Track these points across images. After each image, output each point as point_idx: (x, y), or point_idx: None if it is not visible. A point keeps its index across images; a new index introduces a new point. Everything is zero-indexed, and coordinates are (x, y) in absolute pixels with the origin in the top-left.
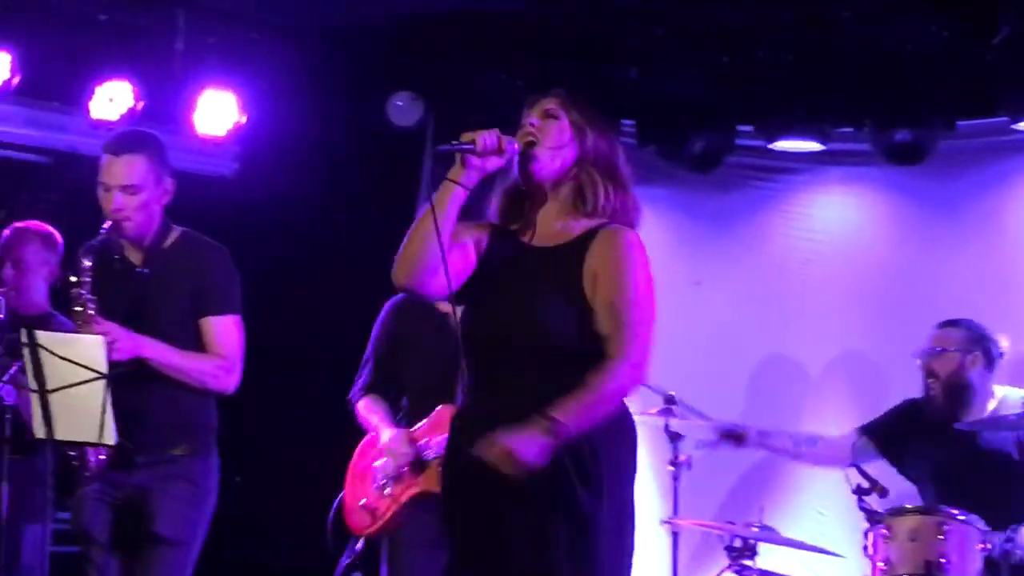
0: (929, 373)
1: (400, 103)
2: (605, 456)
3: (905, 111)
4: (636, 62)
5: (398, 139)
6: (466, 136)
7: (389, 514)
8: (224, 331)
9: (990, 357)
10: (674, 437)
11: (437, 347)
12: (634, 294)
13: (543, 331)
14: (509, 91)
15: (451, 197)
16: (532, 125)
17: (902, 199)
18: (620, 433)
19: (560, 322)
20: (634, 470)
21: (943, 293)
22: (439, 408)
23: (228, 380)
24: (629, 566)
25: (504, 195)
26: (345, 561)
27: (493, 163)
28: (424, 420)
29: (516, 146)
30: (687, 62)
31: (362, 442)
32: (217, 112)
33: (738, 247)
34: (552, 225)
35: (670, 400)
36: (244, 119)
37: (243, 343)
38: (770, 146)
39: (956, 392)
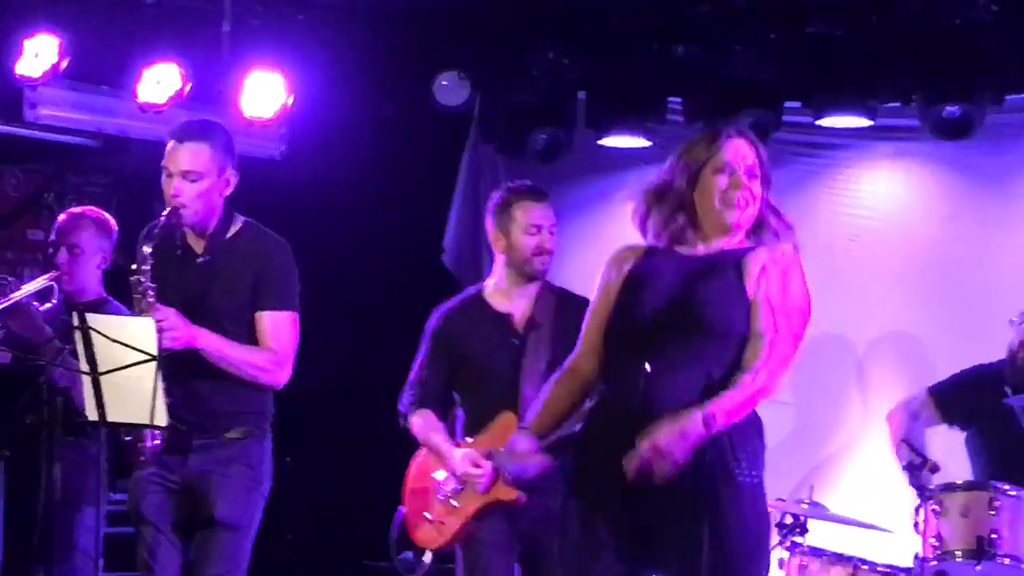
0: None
1: (446, 83)
2: (744, 450)
3: (953, 86)
4: (683, 39)
5: (445, 119)
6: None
7: (458, 526)
8: (279, 327)
9: None
10: None
11: (496, 351)
12: (792, 302)
13: (708, 318)
14: (556, 69)
15: None
16: (751, 194)
17: (950, 174)
18: (755, 424)
19: (720, 311)
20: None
21: (992, 269)
22: (502, 415)
23: (278, 376)
24: (767, 558)
25: (672, 222)
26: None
27: None
28: (485, 429)
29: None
30: (734, 38)
31: (418, 460)
32: (264, 94)
33: None
34: (710, 238)
35: None
36: (291, 101)
37: (297, 340)
38: (817, 122)
39: None
